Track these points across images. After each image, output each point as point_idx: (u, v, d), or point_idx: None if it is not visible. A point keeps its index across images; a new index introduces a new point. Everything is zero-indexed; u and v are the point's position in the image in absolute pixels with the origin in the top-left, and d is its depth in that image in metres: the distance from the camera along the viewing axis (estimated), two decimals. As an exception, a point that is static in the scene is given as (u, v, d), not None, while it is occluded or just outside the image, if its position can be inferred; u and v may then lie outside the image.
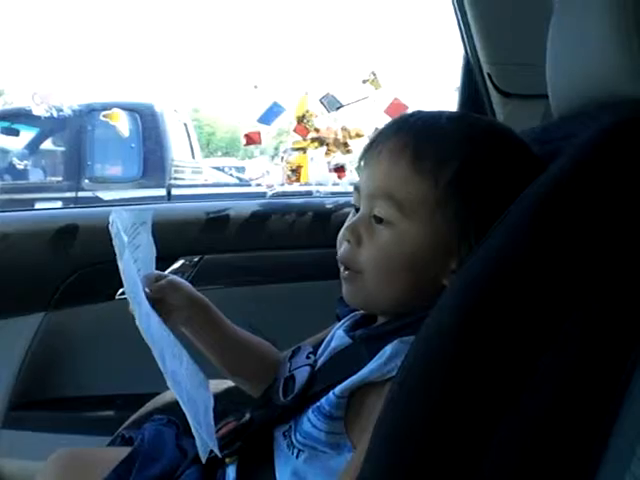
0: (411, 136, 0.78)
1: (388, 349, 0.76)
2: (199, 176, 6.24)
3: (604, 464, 0.50)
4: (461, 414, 0.57)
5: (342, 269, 0.83)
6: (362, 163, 0.84)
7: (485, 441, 0.55)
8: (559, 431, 0.53)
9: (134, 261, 0.91)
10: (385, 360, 0.75)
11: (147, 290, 0.90)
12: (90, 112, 5.18)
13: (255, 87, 2.21)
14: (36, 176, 5.84)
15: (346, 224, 0.82)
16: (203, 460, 0.83)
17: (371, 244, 0.79)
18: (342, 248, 0.82)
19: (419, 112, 0.84)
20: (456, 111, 0.84)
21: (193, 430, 0.81)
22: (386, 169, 0.79)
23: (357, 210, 0.83)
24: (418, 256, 0.77)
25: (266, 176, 2.05)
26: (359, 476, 0.63)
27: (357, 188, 0.83)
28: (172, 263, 1.76)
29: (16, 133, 5.57)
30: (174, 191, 3.88)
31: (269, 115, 2.00)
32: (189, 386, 0.84)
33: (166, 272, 1.00)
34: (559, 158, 0.65)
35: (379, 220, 0.78)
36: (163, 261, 1.68)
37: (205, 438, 0.81)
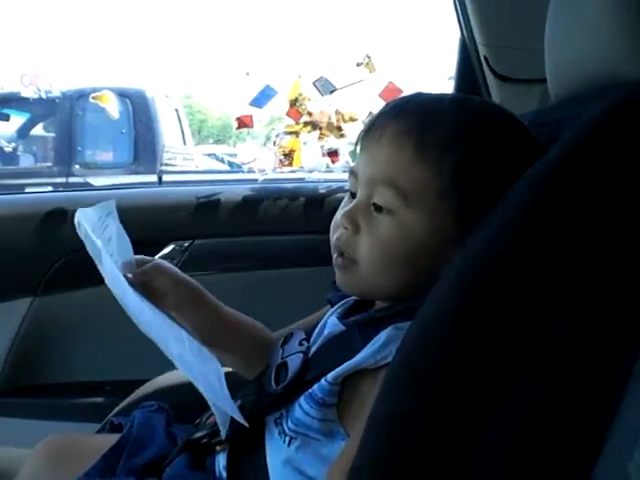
0: (414, 120, 0.76)
1: (382, 336, 0.74)
2: (190, 163, 6.22)
3: (604, 454, 0.49)
4: (458, 400, 0.56)
5: (335, 256, 0.80)
6: (360, 147, 0.81)
7: (483, 428, 0.54)
8: (559, 420, 0.52)
9: (110, 256, 0.88)
10: (379, 347, 0.74)
11: (129, 276, 0.88)
12: (81, 97, 5.15)
13: (247, 74, 2.19)
14: (26, 161, 5.81)
15: (342, 210, 0.80)
16: (223, 435, 0.81)
17: (370, 233, 0.76)
18: (337, 234, 0.80)
19: (420, 94, 0.81)
20: (458, 94, 0.82)
21: (212, 407, 0.79)
22: (388, 155, 0.76)
23: (352, 195, 0.80)
24: (419, 247, 0.75)
25: (258, 160, 2.03)
26: (353, 464, 0.61)
27: (353, 172, 0.80)
28: (162, 248, 1.74)
29: (6, 118, 5.52)
30: (165, 177, 3.85)
31: (261, 98, 1.98)
32: (198, 363, 0.83)
33: (155, 257, 0.98)
34: (557, 142, 0.63)
35: (379, 208, 0.76)
36: (153, 246, 1.71)
37: (226, 409, 0.79)
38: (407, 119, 0.77)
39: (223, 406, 0.79)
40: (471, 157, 0.74)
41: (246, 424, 0.80)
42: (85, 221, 0.88)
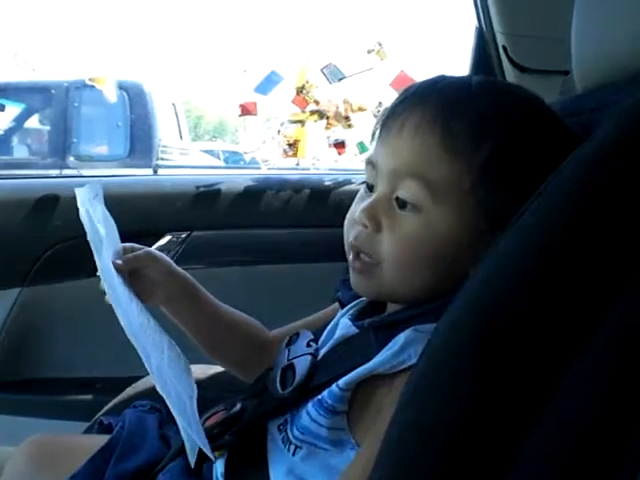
0: (440, 107, 0.71)
1: (401, 338, 0.70)
2: (186, 158, 6.23)
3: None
4: (492, 411, 0.51)
5: (352, 257, 0.75)
6: (379, 135, 0.76)
7: (520, 436, 0.50)
8: (595, 431, 0.47)
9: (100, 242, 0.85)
10: (397, 350, 0.69)
11: (118, 262, 0.85)
12: (77, 89, 5.15)
13: (244, 71, 2.18)
14: (21, 153, 5.81)
15: (360, 205, 0.74)
16: (192, 464, 0.78)
17: (393, 232, 0.71)
18: (355, 233, 0.74)
19: (443, 78, 0.77)
20: (482, 76, 0.79)
21: (182, 431, 0.76)
22: (413, 146, 0.71)
23: (369, 188, 0.76)
24: (447, 246, 0.70)
25: (261, 149, 2.01)
26: (371, 476, 0.57)
27: (372, 162, 0.75)
28: (158, 239, 1.70)
29: (1, 108, 5.51)
30: (161, 171, 3.86)
31: (266, 84, 1.94)
32: (173, 378, 0.80)
33: (151, 248, 0.95)
34: (600, 127, 0.58)
35: (403, 204, 0.71)
36: (148, 236, 1.67)
37: (195, 438, 0.76)
38: (431, 106, 0.72)
39: (192, 432, 0.76)
40: (503, 149, 0.70)
41: (212, 457, 0.77)
42: (81, 203, 0.85)
